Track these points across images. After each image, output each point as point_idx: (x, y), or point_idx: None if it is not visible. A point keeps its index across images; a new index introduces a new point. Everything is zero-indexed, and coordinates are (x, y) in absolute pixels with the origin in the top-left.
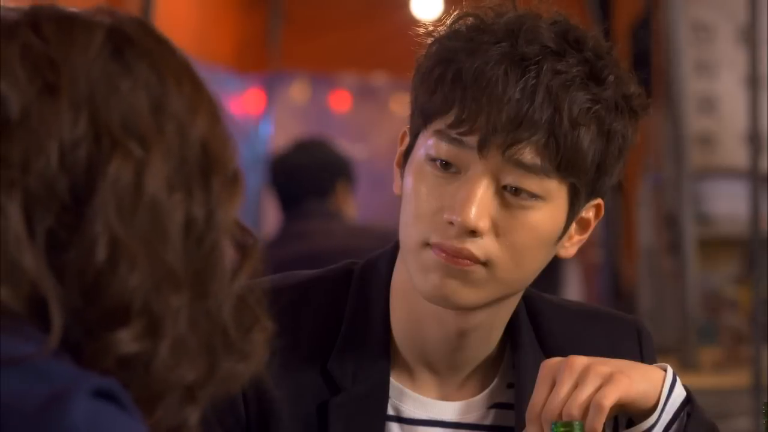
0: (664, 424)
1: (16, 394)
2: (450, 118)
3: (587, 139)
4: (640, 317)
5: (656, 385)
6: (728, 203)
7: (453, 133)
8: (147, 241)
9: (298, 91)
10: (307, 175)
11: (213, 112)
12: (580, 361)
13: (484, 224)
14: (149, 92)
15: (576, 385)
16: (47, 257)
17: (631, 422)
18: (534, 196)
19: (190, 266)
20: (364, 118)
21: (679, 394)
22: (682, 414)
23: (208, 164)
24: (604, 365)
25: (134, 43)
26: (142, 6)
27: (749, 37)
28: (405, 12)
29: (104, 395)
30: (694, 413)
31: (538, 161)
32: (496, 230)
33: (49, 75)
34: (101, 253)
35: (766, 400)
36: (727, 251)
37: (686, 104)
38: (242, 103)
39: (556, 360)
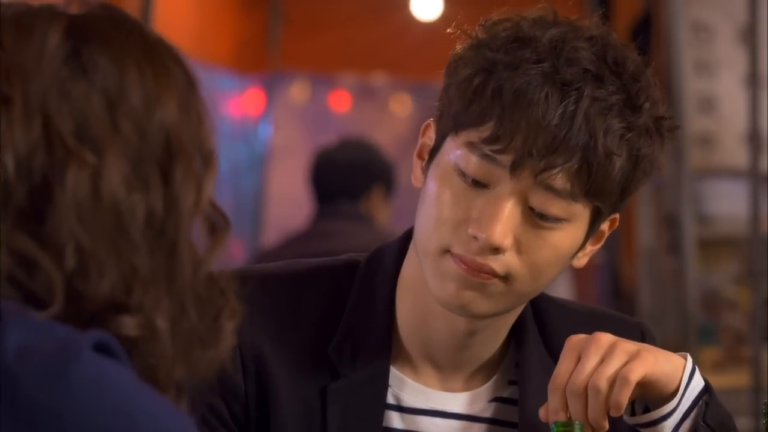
0: (683, 411)
1: (30, 341)
2: (485, 132)
3: (617, 165)
4: (642, 320)
5: (678, 369)
6: (728, 203)
7: (486, 149)
8: (112, 245)
9: (297, 92)
10: (343, 174)
11: (183, 94)
12: (606, 337)
13: (508, 242)
14: (106, 89)
15: (602, 360)
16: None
17: (647, 411)
18: (559, 219)
19: (155, 261)
20: (364, 118)
21: (698, 382)
22: (700, 402)
23: (170, 153)
24: (629, 343)
25: (93, 36)
26: (142, 6)
27: (749, 37)
28: (405, 12)
29: (103, 349)
30: (712, 402)
31: (568, 186)
32: (518, 247)
33: (4, 86)
34: (70, 262)
35: (766, 400)
36: (727, 251)
37: (686, 104)
38: (242, 103)
39: (581, 336)
